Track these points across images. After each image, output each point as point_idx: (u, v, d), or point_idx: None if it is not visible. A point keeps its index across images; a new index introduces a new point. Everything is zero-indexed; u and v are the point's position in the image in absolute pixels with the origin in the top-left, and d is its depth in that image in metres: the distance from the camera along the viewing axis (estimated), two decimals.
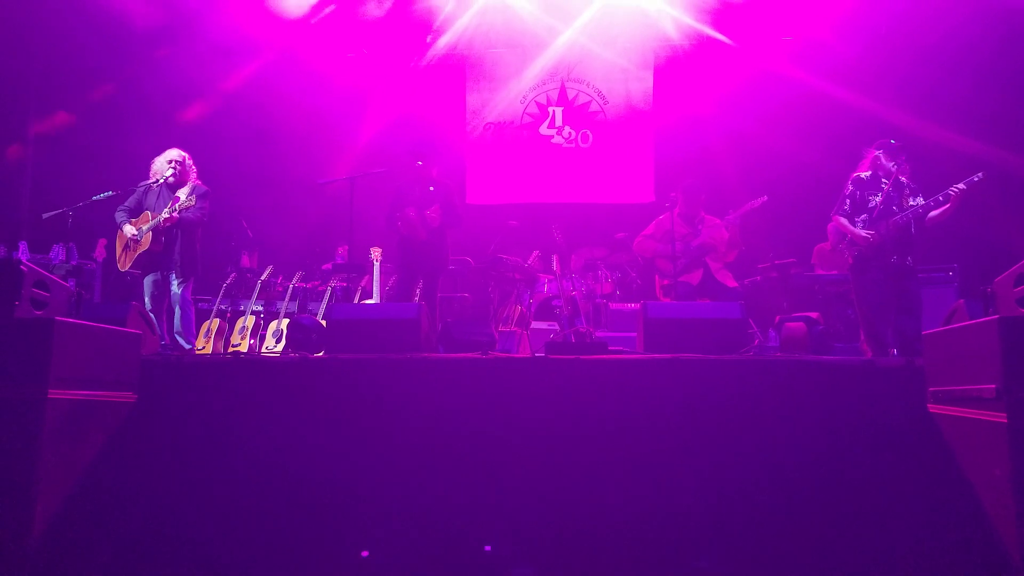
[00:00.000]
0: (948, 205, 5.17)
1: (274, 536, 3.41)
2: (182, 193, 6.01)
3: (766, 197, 7.42)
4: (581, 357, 3.94)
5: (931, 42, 8.50)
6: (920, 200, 5.36)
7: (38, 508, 2.96)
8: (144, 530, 3.39)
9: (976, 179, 5.08)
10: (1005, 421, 2.55)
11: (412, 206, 6.44)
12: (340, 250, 9.26)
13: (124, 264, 6.02)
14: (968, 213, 5.37)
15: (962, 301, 4.12)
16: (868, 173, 5.54)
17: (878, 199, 5.41)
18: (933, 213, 5.27)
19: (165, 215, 5.83)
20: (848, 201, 5.53)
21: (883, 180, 5.46)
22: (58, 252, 7.63)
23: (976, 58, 8.31)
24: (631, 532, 3.37)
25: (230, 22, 9.25)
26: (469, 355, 4.30)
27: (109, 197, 5.90)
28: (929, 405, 3.25)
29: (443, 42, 10.07)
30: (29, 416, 2.95)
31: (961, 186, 5.10)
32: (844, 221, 5.52)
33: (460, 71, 10.41)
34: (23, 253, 7.73)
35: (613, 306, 8.04)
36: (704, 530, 3.34)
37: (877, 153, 5.49)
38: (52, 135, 9.42)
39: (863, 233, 5.38)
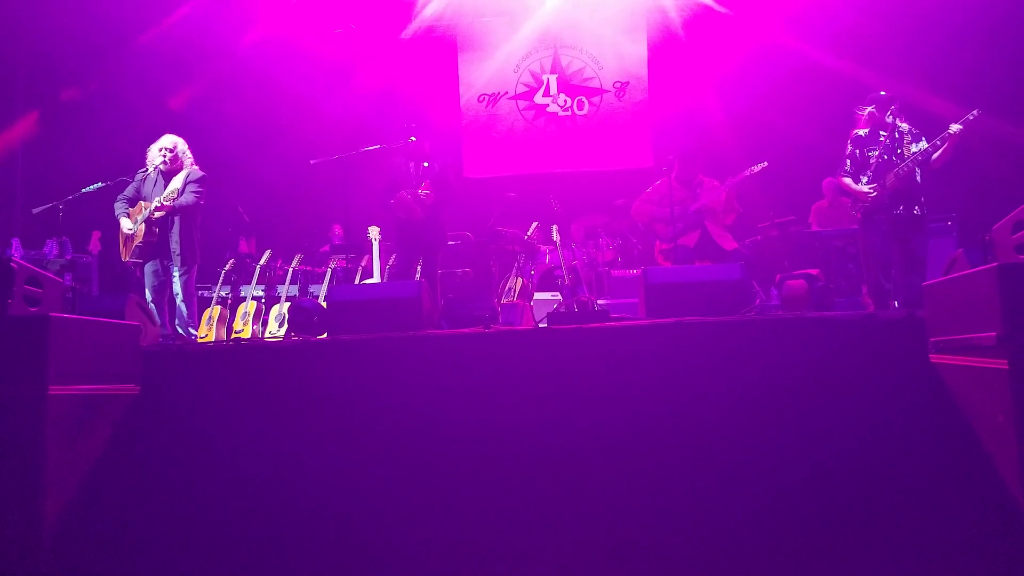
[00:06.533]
0: (947, 144, 5.18)
1: (280, 519, 3.42)
2: (175, 181, 5.91)
3: (766, 162, 7.34)
4: (583, 326, 3.93)
5: (931, 11, 8.38)
6: (924, 145, 5.35)
7: (47, 505, 2.97)
8: (153, 522, 3.40)
9: (972, 117, 5.10)
10: (1007, 368, 2.54)
11: (405, 187, 6.39)
12: (335, 228, 9.22)
13: (124, 255, 5.97)
14: (967, 162, 5.36)
15: (961, 250, 4.10)
16: (866, 130, 5.57)
17: (878, 153, 5.40)
18: (935, 156, 5.28)
19: (155, 205, 5.76)
20: (848, 161, 5.58)
21: (881, 132, 5.45)
22: (51, 247, 7.57)
23: (978, 28, 8.20)
24: (642, 500, 3.38)
25: (214, 6, 9.16)
26: (472, 330, 4.30)
27: (99, 188, 5.86)
28: (931, 355, 3.24)
29: (430, 11, 9.91)
30: (31, 414, 2.96)
31: (958, 126, 5.12)
32: (848, 181, 5.57)
33: (450, 42, 10.26)
34: (16, 250, 7.71)
35: (615, 273, 8.02)
36: (710, 491, 3.35)
37: (870, 109, 5.52)
38: (42, 128, 9.38)
39: (865, 189, 5.44)
